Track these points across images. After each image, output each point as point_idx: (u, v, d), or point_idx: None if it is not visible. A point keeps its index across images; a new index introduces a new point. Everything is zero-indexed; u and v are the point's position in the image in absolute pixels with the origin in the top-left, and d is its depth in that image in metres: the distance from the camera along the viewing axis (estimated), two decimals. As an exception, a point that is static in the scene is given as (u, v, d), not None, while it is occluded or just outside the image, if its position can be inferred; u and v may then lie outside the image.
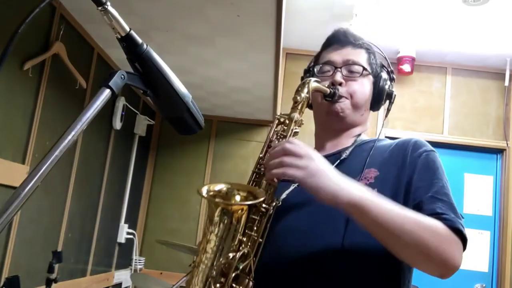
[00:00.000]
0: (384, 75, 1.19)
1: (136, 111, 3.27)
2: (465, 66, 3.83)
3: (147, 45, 0.71)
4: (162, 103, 0.77)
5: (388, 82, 1.20)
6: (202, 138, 3.84)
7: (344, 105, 1.12)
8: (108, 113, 2.85)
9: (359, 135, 1.17)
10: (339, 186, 0.87)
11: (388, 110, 1.22)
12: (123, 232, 3.30)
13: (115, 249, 3.27)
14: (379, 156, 1.07)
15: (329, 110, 1.13)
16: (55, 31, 2.08)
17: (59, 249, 2.28)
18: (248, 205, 0.90)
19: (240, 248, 0.89)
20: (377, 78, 1.18)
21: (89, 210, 2.75)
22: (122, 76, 0.68)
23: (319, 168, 0.88)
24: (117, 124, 2.90)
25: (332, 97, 1.10)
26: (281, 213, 0.99)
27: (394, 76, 1.24)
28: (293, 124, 1.01)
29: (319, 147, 1.20)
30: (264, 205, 0.91)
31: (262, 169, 0.97)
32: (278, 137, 1.01)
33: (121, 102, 2.91)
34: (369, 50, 1.19)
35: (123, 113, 2.96)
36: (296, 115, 1.01)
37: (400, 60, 3.65)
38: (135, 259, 3.55)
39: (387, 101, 1.21)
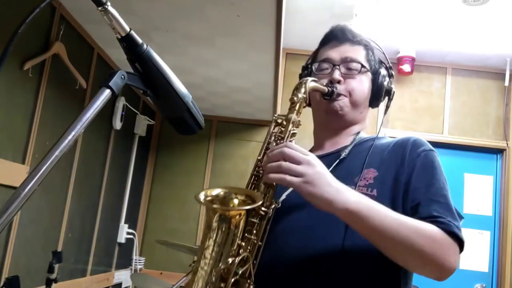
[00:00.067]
0: (383, 71, 1.18)
1: (136, 111, 3.27)
2: (465, 66, 3.83)
3: (147, 45, 0.71)
4: (162, 103, 0.77)
5: (387, 79, 1.18)
6: (202, 138, 3.84)
7: (342, 103, 1.11)
8: (108, 113, 2.85)
9: (358, 133, 1.16)
10: (335, 194, 0.87)
11: (387, 106, 1.21)
12: (123, 232, 3.30)
13: (115, 249, 3.27)
14: (378, 155, 1.06)
15: (327, 109, 1.12)
16: (55, 31, 2.08)
17: (59, 249, 2.28)
18: (246, 210, 0.90)
19: (240, 252, 0.88)
20: (375, 75, 1.17)
21: (89, 210, 2.75)
22: (122, 76, 0.68)
23: (316, 175, 0.87)
24: (117, 124, 2.90)
25: (330, 96, 1.09)
26: (281, 214, 0.99)
27: (393, 72, 1.22)
28: (290, 125, 1.00)
29: (318, 145, 1.19)
30: (263, 208, 0.91)
31: (261, 171, 0.96)
32: (276, 138, 1.00)
33: (121, 102, 2.91)
34: (367, 47, 1.18)
35: (123, 113, 2.96)
36: (293, 116, 1.01)
37: (400, 60, 3.65)
38: (135, 259, 3.55)
39: (386, 98, 1.20)
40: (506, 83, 3.73)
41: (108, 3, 0.65)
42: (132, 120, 3.29)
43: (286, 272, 0.98)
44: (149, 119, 3.48)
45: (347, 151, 1.10)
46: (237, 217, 0.88)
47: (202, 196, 0.91)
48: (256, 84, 2.91)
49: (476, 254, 3.58)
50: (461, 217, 0.96)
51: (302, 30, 3.28)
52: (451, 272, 0.90)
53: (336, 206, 0.86)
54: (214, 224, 0.87)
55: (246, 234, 0.91)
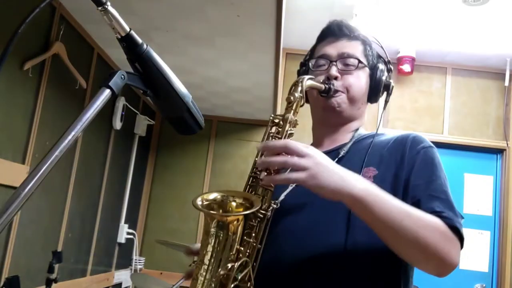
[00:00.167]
0: (381, 66, 1.17)
1: (136, 111, 3.27)
2: (465, 66, 3.83)
3: (147, 45, 0.71)
4: (162, 103, 0.77)
5: (386, 73, 1.17)
6: (202, 138, 3.84)
7: (340, 99, 1.11)
8: (108, 113, 2.85)
9: (357, 129, 1.15)
10: (342, 181, 0.86)
11: (386, 102, 1.20)
12: (123, 232, 3.30)
13: (115, 249, 3.27)
14: (377, 153, 1.06)
15: (325, 106, 1.11)
16: (55, 31, 2.08)
17: (59, 249, 2.28)
18: (244, 215, 0.89)
19: (239, 257, 0.88)
20: (373, 70, 1.16)
21: (89, 210, 2.75)
22: (122, 76, 0.68)
23: (320, 166, 0.87)
24: (117, 124, 2.90)
25: (327, 93, 1.09)
26: (280, 215, 0.98)
27: (391, 67, 1.21)
28: (287, 125, 0.99)
29: (316, 142, 1.19)
30: (261, 211, 0.91)
31: (258, 172, 0.95)
32: (273, 139, 1.00)
33: (121, 102, 2.91)
34: (364, 42, 1.17)
35: (123, 113, 2.96)
36: (290, 116, 1.00)
37: (400, 60, 3.65)
38: (135, 259, 3.55)
39: (385, 93, 1.19)
40: (506, 83, 3.73)
41: (108, 3, 0.65)
42: (132, 120, 3.29)
43: (286, 272, 0.98)
44: (149, 119, 3.48)
45: (346, 149, 1.09)
46: (236, 222, 0.88)
47: (199, 202, 0.89)
48: (256, 84, 2.91)
49: (476, 254, 3.58)
50: (461, 217, 0.96)
51: (302, 30, 3.27)
52: (452, 268, 0.89)
53: (343, 193, 0.85)
54: (212, 230, 0.87)
55: (245, 237, 0.90)
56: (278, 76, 2.72)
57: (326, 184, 0.85)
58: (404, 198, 0.97)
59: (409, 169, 1.01)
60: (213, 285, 0.85)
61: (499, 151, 3.73)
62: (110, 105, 2.82)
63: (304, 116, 1.18)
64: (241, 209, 0.91)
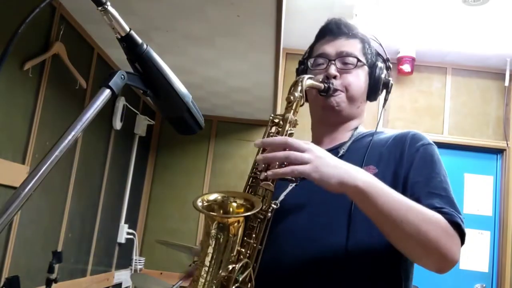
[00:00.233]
0: (380, 64, 1.17)
1: (136, 111, 3.27)
2: (465, 66, 3.83)
3: (147, 45, 0.71)
4: (162, 103, 0.77)
5: (384, 71, 1.17)
6: (202, 138, 3.84)
7: (339, 98, 1.11)
8: (108, 113, 2.85)
9: (356, 128, 1.15)
10: (345, 173, 0.86)
11: (385, 99, 1.20)
12: (123, 232, 3.30)
13: (115, 249, 3.27)
14: (377, 152, 1.06)
15: (324, 105, 1.11)
16: (55, 31, 2.08)
17: (59, 249, 2.28)
18: (245, 217, 0.89)
19: (240, 258, 0.88)
20: (372, 68, 1.16)
21: (89, 210, 2.75)
22: (122, 76, 0.68)
23: (323, 158, 0.87)
24: (117, 124, 2.90)
25: (326, 92, 1.09)
26: (281, 215, 0.98)
27: (390, 65, 1.21)
28: (287, 125, 0.99)
29: (316, 141, 1.18)
30: (262, 212, 0.90)
31: (258, 172, 0.95)
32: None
33: (121, 102, 2.91)
34: (363, 40, 1.17)
35: (124, 112, 2.96)
36: (290, 116, 1.00)
37: (400, 60, 3.65)
38: (135, 259, 3.55)
39: (384, 91, 1.19)
40: (506, 83, 3.73)
41: (108, 3, 0.65)
42: (132, 120, 3.29)
43: (287, 272, 0.98)
44: (149, 119, 3.48)
45: (345, 148, 1.09)
46: (236, 223, 0.87)
47: (199, 203, 0.89)
48: (256, 84, 2.91)
49: (476, 254, 3.57)
50: (460, 212, 0.95)
51: (302, 30, 3.27)
52: (453, 264, 0.89)
53: (347, 185, 0.85)
54: (213, 232, 0.87)
55: (245, 238, 0.90)
56: (278, 76, 2.72)
57: (330, 176, 0.85)
58: (404, 195, 0.97)
59: (408, 166, 1.00)
60: (214, 286, 0.85)
61: (499, 151, 3.73)
62: (110, 105, 2.82)
63: (304, 116, 1.18)
64: (242, 210, 0.90)
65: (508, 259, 3.49)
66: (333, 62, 1.12)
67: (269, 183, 0.91)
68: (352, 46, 1.14)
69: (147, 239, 3.75)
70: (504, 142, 3.70)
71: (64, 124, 2.19)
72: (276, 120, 1.02)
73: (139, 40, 0.70)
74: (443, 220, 0.90)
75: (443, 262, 0.89)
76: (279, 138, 0.91)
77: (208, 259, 0.87)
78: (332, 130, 1.16)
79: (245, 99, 3.26)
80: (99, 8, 0.65)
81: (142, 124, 3.38)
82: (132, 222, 3.55)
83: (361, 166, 1.02)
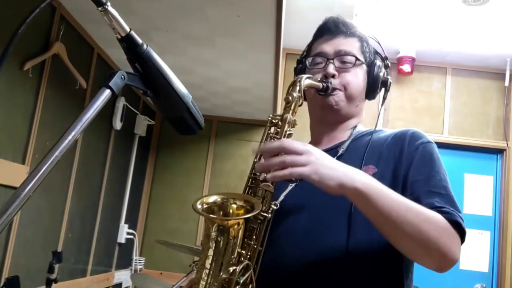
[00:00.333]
0: (378, 62, 1.17)
1: (136, 111, 3.27)
2: (465, 66, 3.83)
3: (147, 45, 0.71)
4: (162, 103, 0.77)
5: (383, 69, 1.17)
6: (202, 138, 3.84)
7: (338, 97, 1.10)
8: (108, 113, 2.85)
9: (355, 126, 1.15)
10: (344, 175, 0.86)
11: (384, 98, 1.19)
12: (123, 232, 3.30)
13: (115, 249, 3.27)
14: (376, 151, 1.05)
15: (323, 104, 1.11)
16: (55, 31, 2.08)
17: (59, 249, 2.28)
18: (245, 219, 0.89)
19: (240, 260, 0.88)
20: (371, 67, 1.15)
21: (89, 210, 2.74)
22: (122, 77, 0.67)
23: (321, 161, 0.87)
24: (117, 124, 2.90)
25: (325, 91, 1.08)
26: (280, 215, 0.98)
27: (389, 63, 1.21)
28: (286, 125, 0.99)
29: (315, 140, 1.18)
30: (262, 213, 0.90)
31: (258, 174, 0.95)
32: (272, 140, 0.99)
33: (121, 102, 2.91)
34: (361, 38, 1.17)
35: (124, 112, 2.96)
36: (289, 116, 0.99)
37: (400, 60, 3.65)
38: (135, 259, 3.55)
39: (383, 89, 1.18)
40: (506, 83, 3.73)
41: (108, 3, 0.65)
42: (132, 120, 3.29)
43: (287, 273, 0.97)
44: (149, 119, 3.48)
45: (344, 147, 1.09)
46: (236, 226, 0.87)
47: (199, 206, 0.89)
48: (256, 84, 2.91)
49: (476, 254, 3.57)
50: (460, 210, 0.95)
51: (302, 30, 3.25)
52: (453, 263, 0.89)
53: (346, 187, 0.85)
54: (213, 234, 0.87)
55: (246, 240, 0.90)
56: (278, 76, 2.72)
57: (330, 178, 0.85)
58: (403, 194, 0.97)
59: (407, 165, 1.00)
60: None
61: (499, 151, 3.73)
62: (110, 105, 2.82)
63: (304, 116, 1.18)
64: (242, 212, 0.90)
65: (508, 259, 3.49)
66: (332, 61, 1.12)
67: (269, 184, 0.91)
68: (350, 45, 1.14)
69: (147, 239, 3.75)
70: (504, 142, 3.70)
71: (64, 124, 2.19)
72: (275, 121, 1.01)
73: (139, 40, 0.70)
74: (443, 219, 0.89)
75: (443, 261, 0.89)
76: (274, 144, 0.89)
77: (208, 261, 0.86)
78: (331, 129, 1.15)
79: (245, 99, 3.26)
80: (99, 8, 0.65)
81: (142, 124, 3.38)
82: (132, 222, 3.55)
83: (360, 165, 1.02)
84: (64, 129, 0.61)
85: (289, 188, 1.03)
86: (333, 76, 1.10)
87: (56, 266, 1.97)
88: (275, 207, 0.94)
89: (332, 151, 1.09)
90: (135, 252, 3.58)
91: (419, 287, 2.25)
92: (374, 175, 1.00)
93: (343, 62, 1.12)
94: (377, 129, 1.13)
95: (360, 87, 1.14)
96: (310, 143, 1.21)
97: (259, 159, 0.99)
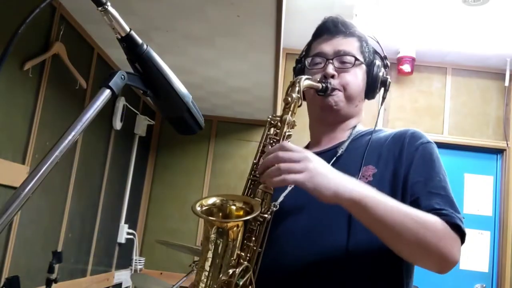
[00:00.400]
0: (378, 62, 1.16)
1: (136, 111, 3.27)
2: (465, 66, 3.83)
3: (147, 45, 0.71)
4: (162, 103, 0.77)
5: (382, 69, 1.17)
6: (202, 138, 3.84)
7: (337, 98, 1.10)
8: (108, 113, 2.85)
9: (355, 126, 1.15)
10: (339, 184, 0.86)
11: (383, 98, 1.19)
12: (123, 232, 3.30)
13: (115, 249, 3.27)
14: (376, 151, 1.05)
15: (322, 105, 1.11)
16: (55, 31, 2.08)
17: (59, 249, 2.28)
18: (244, 221, 0.89)
19: (240, 262, 0.88)
20: (370, 66, 1.15)
21: (89, 210, 2.74)
22: (122, 77, 0.68)
23: (317, 169, 0.87)
24: (117, 124, 2.90)
25: (324, 92, 1.08)
26: (280, 216, 0.98)
27: (388, 62, 1.21)
28: (285, 126, 0.99)
29: (314, 141, 1.18)
30: (261, 214, 0.90)
31: (258, 175, 0.95)
32: (271, 141, 0.99)
33: (121, 102, 2.91)
34: (361, 38, 1.16)
35: (124, 112, 2.96)
36: (288, 117, 0.99)
37: (400, 60, 3.65)
38: (135, 259, 3.55)
39: (382, 89, 1.18)
40: (506, 83, 3.73)
41: (108, 3, 0.65)
42: (132, 120, 3.29)
43: (287, 273, 0.97)
44: (149, 119, 3.48)
45: (344, 147, 1.09)
46: (236, 228, 0.87)
47: (198, 208, 0.89)
48: (256, 84, 2.91)
49: (476, 254, 3.57)
50: (459, 211, 0.95)
51: (302, 30, 3.25)
52: (453, 264, 0.90)
53: (341, 196, 0.86)
54: (212, 236, 0.86)
55: (245, 241, 0.90)
56: (278, 76, 2.72)
57: (325, 187, 0.85)
58: (404, 195, 0.97)
59: (407, 165, 1.00)
60: None
61: (499, 151, 3.73)
62: (110, 105, 2.82)
63: (304, 116, 1.18)
64: (241, 213, 0.90)
65: (508, 259, 3.49)
66: (331, 61, 1.11)
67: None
68: (349, 45, 1.14)
69: (147, 239, 3.75)
70: (504, 142, 3.70)
71: (64, 124, 2.19)
72: (274, 122, 1.01)
73: (139, 40, 0.70)
74: (442, 222, 0.90)
75: (444, 264, 0.89)
76: (270, 157, 0.89)
77: (208, 263, 0.86)
78: (331, 130, 1.15)
79: (245, 99, 3.26)
80: (99, 8, 0.65)
81: (142, 124, 3.38)
82: (132, 222, 3.55)
83: (360, 165, 1.02)
84: (64, 129, 0.61)
85: (289, 189, 1.03)
86: (332, 76, 1.10)
87: (56, 266, 1.97)
88: (274, 208, 0.94)
89: (331, 151, 1.09)
90: (135, 252, 3.58)
91: (419, 287, 2.25)
92: (374, 175, 1.00)
93: (343, 62, 1.12)
94: (376, 129, 1.13)
95: (360, 87, 1.14)
96: (309, 143, 1.22)
97: (258, 160, 0.99)
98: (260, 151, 1.00)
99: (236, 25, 2.10)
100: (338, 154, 1.07)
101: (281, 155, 0.87)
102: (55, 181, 2.27)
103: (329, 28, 1.16)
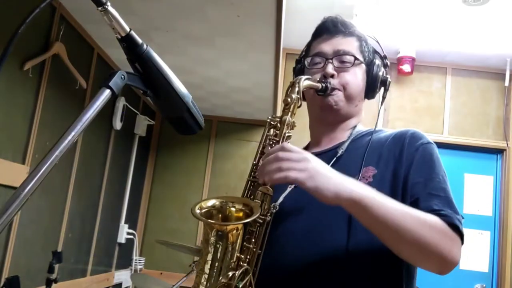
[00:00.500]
0: (377, 61, 1.16)
1: (136, 111, 3.27)
2: (465, 66, 3.83)
3: (147, 45, 0.71)
4: (162, 103, 0.77)
5: (382, 69, 1.17)
6: (202, 138, 3.84)
7: (337, 97, 1.10)
8: (108, 113, 2.85)
9: (355, 126, 1.15)
10: (339, 185, 0.87)
11: (384, 97, 1.19)
12: (123, 232, 3.30)
13: (115, 249, 3.27)
14: (376, 152, 1.05)
15: (322, 105, 1.11)
16: (55, 31, 2.08)
17: (59, 249, 2.28)
18: (244, 223, 0.89)
19: (239, 264, 0.87)
20: (370, 66, 1.15)
21: (89, 210, 2.74)
22: (122, 77, 0.67)
23: (317, 169, 0.87)
24: (117, 124, 2.90)
25: (324, 92, 1.08)
26: (280, 217, 0.98)
27: (388, 62, 1.20)
28: (285, 127, 0.99)
29: (314, 141, 1.18)
30: (261, 216, 0.90)
31: (257, 177, 0.95)
32: (271, 142, 0.99)
33: (121, 102, 2.91)
34: (360, 37, 1.16)
35: (124, 112, 2.96)
36: (288, 118, 0.99)
37: (400, 60, 3.65)
38: (135, 259, 3.55)
39: (382, 88, 1.18)
40: (506, 83, 3.73)
41: (108, 3, 0.65)
42: (132, 120, 3.29)
43: (288, 273, 0.97)
44: (149, 119, 3.48)
45: (344, 147, 1.08)
46: (235, 231, 0.87)
47: (198, 210, 0.88)
48: (256, 84, 2.91)
49: (476, 254, 3.57)
50: (459, 212, 0.95)
51: (302, 30, 3.25)
52: (453, 265, 0.90)
53: (341, 196, 0.86)
54: (212, 239, 0.86)
55: (245, 243, 0.90)
56: (278, 76, 2.72)
57: (325, 187, 0.86)
58: (403, 196, 0.97)
59: (408, 166, 1.00)
60: None
61: (499, 151, 3.73)
62: (110, 105, 2.82)
63: (304, 116, 1.18)
64: (241, 215, 0.90)
65: (508, 259, 3.49)
66: (330, 61, 1.11)
67: (268, 187, 0.90)
68: (349, 45, 1.14)
69: (147, 239, 3.75)
70: (504, 142, 3.70)
71: (64, 124, 2.19)
72: (274, 123, 1.01)
73: (139, 40, 0.70)
74: (441, 223, 0.90)
75: (444, 264, 0.90)
76: (270, 158, 0.89)
77: (207, 266, 0.86)
78: (331, 130, 1.15)
79: (245, 99, 3.26)
80: (99, 8, 0.65)
81: (142, 124, 3.38)
82: (132, 222, 3.55)
83: (360, 166, 1.02)
84: (64, 129, 0.61)
85: (288, 189, 1.03)
86: (332, 76, 1.10)
87: (56, 266, 1.97)
88: (274, 210, 0.94)
89: (331, 152, 1.09)
90: (135, 252, 3.58)
91: (419, 287, 2.25)
92: (374, 176, 1.00)
93: (342, 62, 1.12)
94: (377, 129, 1.13)
95: (359, 87, 1.13)
96: (309, 143, 1.21)
97: (258, 161, 0.99)
98: (259, 152, 1.00)
99: (236, 25, 2.10)
100: (338, 155, 1.07)
101: (281, 155, 0.88)
102: (55, 181, 2.27)
103: (328, 28, 1.16)
